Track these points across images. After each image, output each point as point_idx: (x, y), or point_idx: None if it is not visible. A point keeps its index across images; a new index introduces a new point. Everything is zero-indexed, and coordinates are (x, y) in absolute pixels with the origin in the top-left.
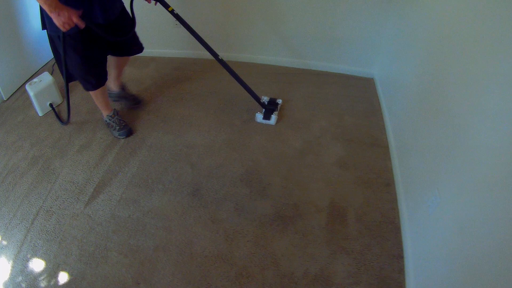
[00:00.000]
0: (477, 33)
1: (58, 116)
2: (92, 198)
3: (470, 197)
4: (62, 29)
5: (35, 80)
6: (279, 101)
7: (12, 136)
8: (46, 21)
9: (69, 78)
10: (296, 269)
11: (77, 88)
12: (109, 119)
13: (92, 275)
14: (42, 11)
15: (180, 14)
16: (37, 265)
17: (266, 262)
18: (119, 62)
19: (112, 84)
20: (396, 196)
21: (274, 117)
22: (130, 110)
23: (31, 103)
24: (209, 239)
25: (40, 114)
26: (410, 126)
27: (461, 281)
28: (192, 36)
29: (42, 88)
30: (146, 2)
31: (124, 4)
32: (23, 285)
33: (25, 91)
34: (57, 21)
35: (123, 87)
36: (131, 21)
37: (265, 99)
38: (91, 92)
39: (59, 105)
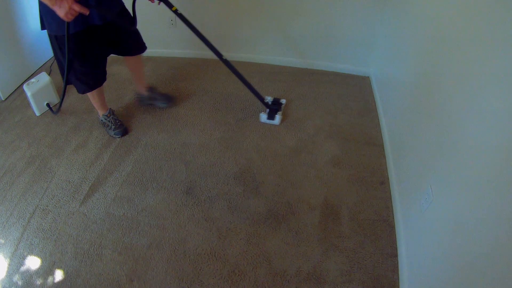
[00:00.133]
0: (471, 32)
1: (51, 108)
2: (87, 196)
3: (463, 195)
4: (66, 19)
5: (32, 80)
6: (283, 101)
7: (10, 136)
8: (45, 21)
9: (68, 78)
10: (288, 267)
11: (74, 88)
12: (105, 119)
13: (86, 273)
14: (41, 11)
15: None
16: (33, 263)
17: (258, 260)
18: (129, 63)
19: (138, 87)
20: (390, 194)
21: (278, 117)
22: (126, 110)
23: (28, 103)
24: (202, 237)
25: (37, 114)
26: (405, 124)
27: (455, 279)
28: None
29: (40, 88)
30: (150, 1)
31: (125, 5)
32: (20, 282)
33: (23, 91)
34: (60, 12)
35: (151, 89)
36: (130, 20)
37: (268, 99)
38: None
39: (56, 105)
